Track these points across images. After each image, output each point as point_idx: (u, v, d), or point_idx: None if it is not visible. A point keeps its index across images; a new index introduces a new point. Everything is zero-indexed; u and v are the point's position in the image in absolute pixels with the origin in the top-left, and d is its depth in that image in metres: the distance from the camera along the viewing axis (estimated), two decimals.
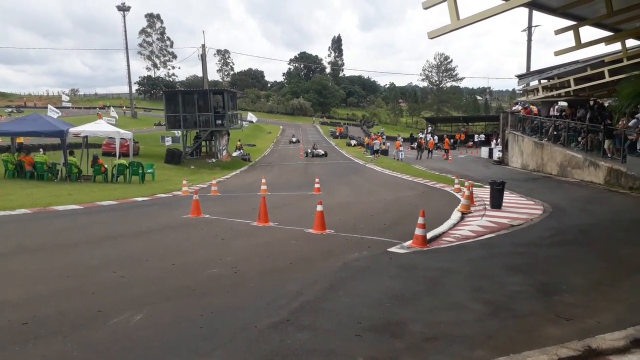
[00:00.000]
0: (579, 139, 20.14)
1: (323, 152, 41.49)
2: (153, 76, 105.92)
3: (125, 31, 64.26)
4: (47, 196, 14.75)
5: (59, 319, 4.70)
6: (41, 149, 26.83)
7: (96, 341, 4.19)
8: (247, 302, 5.27)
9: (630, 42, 15.48)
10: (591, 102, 24.24)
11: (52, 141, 26.65)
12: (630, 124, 16.63)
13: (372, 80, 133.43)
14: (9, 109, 64.41)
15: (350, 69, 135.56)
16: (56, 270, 6.70)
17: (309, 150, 41.98)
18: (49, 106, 48.63)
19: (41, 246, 8.42)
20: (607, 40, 13.65)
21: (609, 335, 4.18)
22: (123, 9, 64.23)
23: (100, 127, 22.57)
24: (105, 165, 21.00)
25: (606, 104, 23.24)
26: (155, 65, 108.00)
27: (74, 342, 4.14)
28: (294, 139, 59.05)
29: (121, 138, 22.64)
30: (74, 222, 11.30)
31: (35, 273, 6.57)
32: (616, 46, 15.51)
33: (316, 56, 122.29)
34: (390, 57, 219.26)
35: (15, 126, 22.00)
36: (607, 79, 19.32)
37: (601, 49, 18.74)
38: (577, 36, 12.02)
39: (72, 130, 20.65)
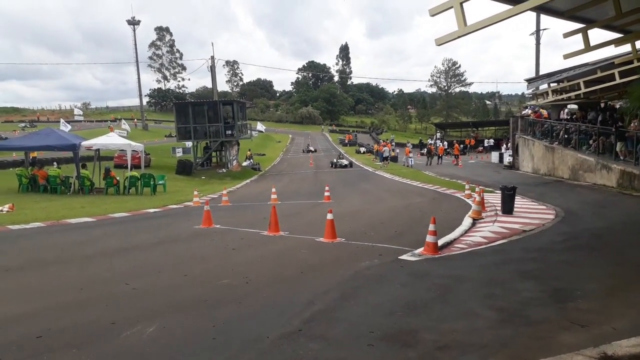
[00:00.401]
0: (590, 142, 19.97)
1: (347, 163, 38.95)
2: (163, 88, 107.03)
3: (136, 44, 65.18)
4: (60, 209, 14.91)
5: (72, 332, 4.74)
6: (55, 163, 27.21)
7: (110, 353, 4.22)
8: (258, 313, 5.28)
9: None
10: (602, 105, 24.07)
11: (65, 155, 26.99)
12: None
13: (380, 87, 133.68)
14: (23, 124, 65.32)
15: (358, 77, 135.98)
16: (70, 283, 6.75)
17: (335, 160, 39.21)
18: (61, 120, 49.37)
19: (55, 259, 8.50)
20: (616, 42, 13.59)
21: (625, 341, 4.12)
22: (133, 22, 65.13)
23: (111, 139, 22.81)
24: (117, 178, 21.18)
25: (617, 106, 23.05)
26: (165, 78, 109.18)
27: (88, 354, 4.17)
28: (311, 148, 55.51)
29: (132, 150, 22.85)
30: (87, 234, 11.40)
31: (49, 286, 6.64)
32: (626, 48, 15.41)
33: (324, 65, 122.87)
34: (398, 63, 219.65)
35: (28, 140, 22.28)
36: (618, 80, 19.19)
37: (611, 51, 18.65)
38: (585, 39, 11.96)
39: (84, 143, 20.90)
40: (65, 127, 38.85)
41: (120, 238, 10.88)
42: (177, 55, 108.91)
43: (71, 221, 12.90)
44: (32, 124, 65.26)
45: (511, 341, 4.32)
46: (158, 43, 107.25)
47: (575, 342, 4.20)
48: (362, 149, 55.32)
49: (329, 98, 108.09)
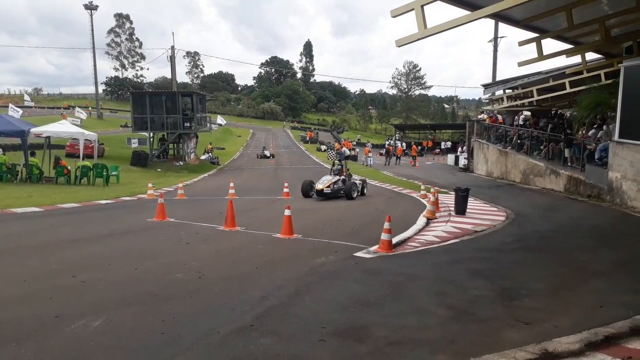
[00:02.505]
0: (541, 147, 20.74)
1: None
2: (121, 77, 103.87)
3: (93, 30, 62.91)
4: (5, 198, 14.24)
5: (14, 325, 4.53)
6: (0, 149, 25.93)
7: (52, 347, 4.05)
8: (210, 308, 5.19)
9: (590, 55, 16.10)
10: (553, 112, 25.07)
11: (12, 141, 25.75)
12: (589, 133, 17.25)
13: (342, 86, 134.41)
14: None
15: (320, 75, 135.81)
16: (13, 275, 6.45)
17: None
18: (10, 105, 47.08)
19: None
20: (568, 53, 14.16)
21: (565, 338, 4.30)
22: (90, 7, 62.87)
23: (63, 127, 21.97)
24: (68, 167, 20.42)
25: (568, 114, 24.05)
26: (123, 66, 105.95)
27: (29, 348, 4.00)
28: (267, 153, 44.50)
29: (85, 139, 22.09)
30: (33, 225, 10.93)
31: None
32: (577, 59, 16.10)
33: (287, 61, 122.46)
34: (362, 64, 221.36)
35: None
36: (568, 90, 20.04)
37: (563, 61, 19.43)
38: (539, 48, 12.41)
39: (34, 130, 20.05)
40: (15, 113, 37.01)
41: (69, 229, 10.49)
42: (137, 43, 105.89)
43: (17, 210, 12.35)
44: None
45: (459, 337, 4.43)
46: (117, 30, 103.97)
47: (519, 338, 4.35)
48: (323, 147, 55.48)
49: (291, 94, 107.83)
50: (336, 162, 19.30)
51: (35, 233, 9.93)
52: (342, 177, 17.34)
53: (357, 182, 17.65)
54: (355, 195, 16.54)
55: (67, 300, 5.38)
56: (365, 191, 17.85)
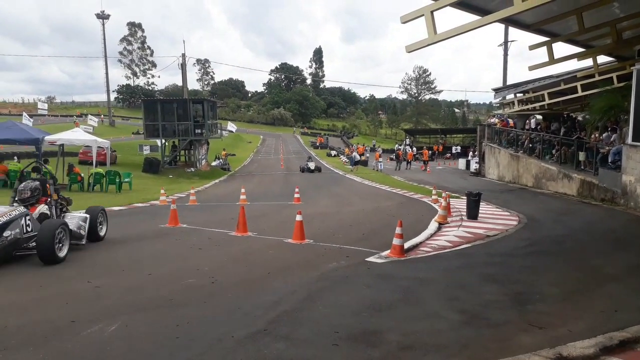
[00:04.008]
0: (553, 151, 20.61)
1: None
2: (132, 85, 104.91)
3: (105, 39, 63.80)
4: None
5: (30, 330, 4.60)
6: (15, 157, 26.32)
7: (69, 351, 4.12)
8: (224, 313, 5.24)
9: (602, 59, 16.00)
10: (565, 116, 24.91)
11: (26, 149, 26.15)
12: (602, 137, 17.11)
13: (352, 91, 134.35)
14: None
15: (330, 81, 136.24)
16: (29, 280, 6.53)
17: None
18: (24, 113, 47.81)
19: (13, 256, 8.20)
20: (579, 56, 14.08)
21: (580, 343, 4.28)
22: (102, 17, 63.74)
23: (77, 135, 22.29)
24: (82, 174, 20.67)
25: (580, 118, 23.89)
26: (134, 74, 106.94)
27: (46, 352, 4.06)
28: (310, 166, 35.77)
29: (98, 146, 22.38)
30: None
31: (5, 283, 6.38)
32: (588, 62, 16.00)
33: (297, 67, 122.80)
34: (371, 69, 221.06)
35: None
36: (580, 93, 19.91)
37: (574, 65, 19.30)
38: (550, 52, 12.37)
39: (48, 138, 20.34)
40: (27, 122, 37.64)
41: None
42: (148, 51, 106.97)
43: None
44: None
45: (472, 342, 4.42)
46: (129, 39, 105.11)
47: (533, 343, 4.33)
48: (333, 152, 55.54)
49: (301, 100, 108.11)
50: None
51: None
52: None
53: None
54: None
55: (82, 305, 5.45)
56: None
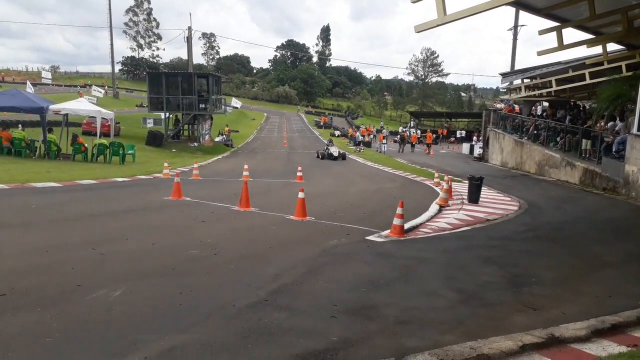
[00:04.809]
0: (558, 139, 20.55)
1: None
2: (137, 57, 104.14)
3: (110, 9, 62.89)
4: (25, 173, 14.53)
5: (38, 292, 4.73)
6: (19, 125, 26.35)
7: (75, 314, 4.24)
8: (226, 283, 5.36)
9: (611, 47, 15.84)
10: (571, 103, 24.76)
11: (31, 117, 26.15)
12: (607, 126, 17.06)
13: (358, 71, 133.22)
14: None
15: (336, 59, 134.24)
16: (35, 246, 6.67)
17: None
18: (28, 82, 47.70)
19: (20, 222, 8.33)
20: (588, 43, 13.95)
21: (572, 325, 4.39)
22: None
23: (81, 105, 22.22)
24: (85, 145, 20.71)
25: (587, 106, 23.75)
26: (139, 46, 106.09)
27: (53, 314, 4.19)
28: (333, 151, 28.42)
29: (102, 118, 22.37)
30: (52, 199, 11.19)
31: (13, 248, 6.53)
32: (597, 49, 15.85)
33: (304, 44, 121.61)
34: (379, 49, 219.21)
35: None
36: (588, 81, 19.75)
37: (583, 52, 19.11)
38: (559, 37, 12.26)
39: (53, 107, 20.31)
40: (29, 90, 37.54)
41: (87, 204, 10.73)
42: (154, 24, 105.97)
43: (36, 185, 12.62)
44: None
45: (467, 320, 4.53)
46: (135, 10, 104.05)
47: (527, 323, 4.44)
48: (337, 132, 55.34)
49: (306, 79, 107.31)
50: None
51: (55, 207, 10.18)
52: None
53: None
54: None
55: (87, 270, 5.57)
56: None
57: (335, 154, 27.93)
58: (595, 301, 5.36)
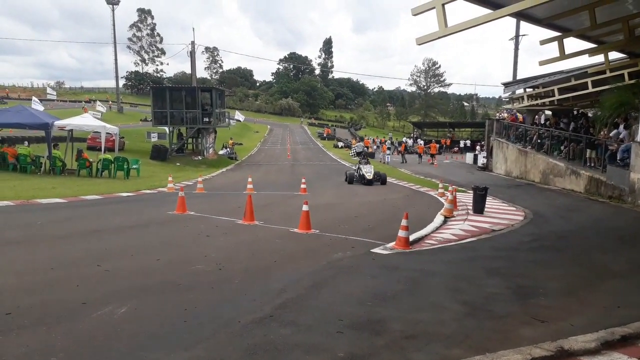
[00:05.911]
0: (562, 147, 20.51)
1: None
2: (141, 71, 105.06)
3: (114, 25, 63.69)
4: (30, 189, 14.60)
5: (43, 310, 4.72)
6: (25, 141, 26.55)
7: (80, 332, 4.23)
8: (231, 298, 5.34)
9: (613, 55, 15.83)
10: (574, 112, 24.73)
11: (36, 134, 26.34)
12: (611, 134, 17.02)
13: (361, 83, 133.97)
14: None
15: (339, 71, 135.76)
16: (40, 263, 6.68)
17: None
18: (34, 98, 48.08)
19: (24, 238, 8.36)
20: (590, 52, 13.95)
21: (581, 337, 4.33)
22: (112, 2, 63.59)
23: (86, 121, 22.40)
24: (90, 160, 20.83)
25: (590, 114, 23.70)
26: (143, 61, 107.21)
27: (58, 332, 4.18)
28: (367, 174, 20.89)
29: (107, 133, 22.51)
30: (57, 215, 11.23)
31: (18, 265, 6.54)
32: (599, 58, 15.85)
33: (306, 57, 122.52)
34: (381, 60, 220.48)
35: None
36: (590, 89, 19.70)
37: (585, 60, 19.08)
38: (561, 47, 12.26)
39: (58, 123, 20.48)
40: (37, 106, 37.86)
41: (92, 220, 10.75)
42: (157, 38, 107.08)
43: (42, 201, 12.67)
44: (2, 101, 63.33)
45: (474, 333, 4.49)
46: (139, 25, 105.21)
47: (535, 336, 4.39)
48: (340, 144, 55.44)
49: (309, 91, 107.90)
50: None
51: (60, 223, 10.21)
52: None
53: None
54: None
55: (92, 287, 5.56)
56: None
57: (369, 175, 20.54)
58: (603, 312, 5.30)
